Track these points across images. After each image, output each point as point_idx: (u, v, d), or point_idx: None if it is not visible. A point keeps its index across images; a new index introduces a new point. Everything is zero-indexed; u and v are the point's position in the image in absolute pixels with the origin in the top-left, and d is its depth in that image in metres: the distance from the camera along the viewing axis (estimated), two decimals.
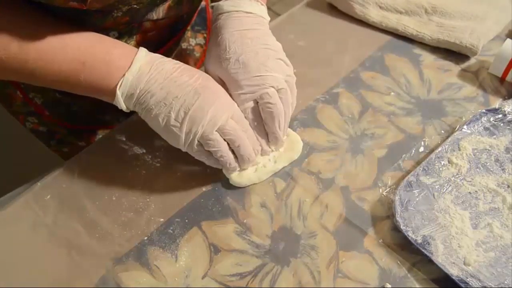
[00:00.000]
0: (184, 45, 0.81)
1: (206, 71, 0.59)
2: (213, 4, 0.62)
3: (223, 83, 0.57)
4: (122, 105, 0.53)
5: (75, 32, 0.53)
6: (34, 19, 0.52)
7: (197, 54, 0.83)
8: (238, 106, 0.56)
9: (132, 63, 0.52)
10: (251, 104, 0.56)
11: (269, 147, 0.59)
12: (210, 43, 0.60)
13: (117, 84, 0.52)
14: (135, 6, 0.60)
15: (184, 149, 0.54)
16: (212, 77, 0.57)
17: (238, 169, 0.57)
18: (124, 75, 0.52)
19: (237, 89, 0.55)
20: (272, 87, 0.55)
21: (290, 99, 0.57)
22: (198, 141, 0.53)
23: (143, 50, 0.54)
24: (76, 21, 0.60)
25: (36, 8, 0.53)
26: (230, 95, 0.56)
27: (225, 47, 0.56)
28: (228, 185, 0.58)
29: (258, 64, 0.55)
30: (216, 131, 0.52)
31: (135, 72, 0.52)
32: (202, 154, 0.55)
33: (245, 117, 0.56)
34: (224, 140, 0.53)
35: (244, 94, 0.55)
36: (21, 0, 0.53)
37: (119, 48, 0.53)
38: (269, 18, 0.61)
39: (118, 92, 0.52)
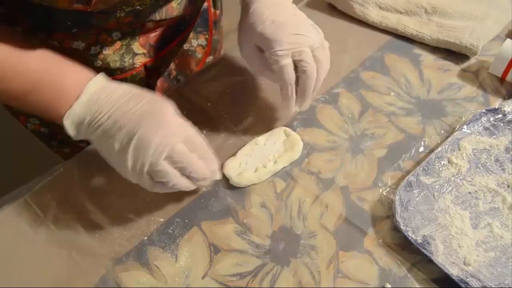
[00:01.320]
0: (186, 46, 0.81)
1: (240, 44, 0.62)
2: None
3: (259, 53, 0.58)
4: (70, 134, 0.52)
5: (37, 51, 0.52)
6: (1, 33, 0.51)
7: (199, 55, 0.83)
8: (277, 63, 0.56)
9: (82, 92, 0.50)
10: (290, 60, 0.56)
11: (293, 108, 0.59)
12: (241, 19, 0.62)
13: (64, 114, 0.51)
14: (138, 7, 0.60)
15: (134, 181, 0.52)
16: (246, 49, 0.60)
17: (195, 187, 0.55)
18: (71, 105, 0.50)
19: (275, 46, 0.56)
20: (308, 47, 0.56)
21: (325, 59, 0.58)
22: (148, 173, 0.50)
23: (97, 78, 0.52)
24: (79, 22, 0.60)
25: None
26: (266, 58, 0.57)
27: (259, 14, 0.58)
28: (228, 185, 0.58)
29: (293, 25, 0.57)
30: (164, 160, 0.49)
31: (83, 102, 0.50)
32: (155, 186, 0.52)
33: (284, 74, 0.56)
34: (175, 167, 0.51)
35: (281, 50, 0.56)
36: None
37: (74, 75, 0.52)
38: None
39: (65, 123, 0.51)
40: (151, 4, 0.62)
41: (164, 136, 0.49)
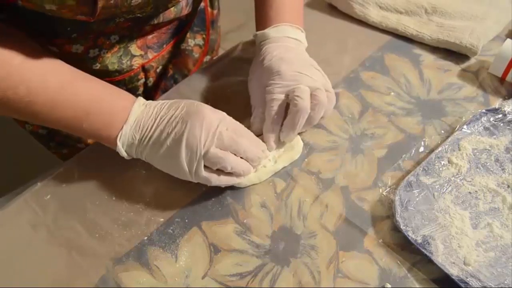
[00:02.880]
0: (182, 45, 0.81)
1: (249, 80, 0.64)
2: (257, 32, 0.65)
3: (262, 88, 0.60)
4: (123, 154, 0.55)
5: (82, 79, 0.56)
6: (42, 61, 0.53)
7: (196, 55, 0.83)
8: (270, 94, 0.58)
9: (129, 115, 0.54)
10: (282, 96, 0.58)
11: (273, 144, 0.59)
12: (253, 66, 0.65)
13: (117, 136, 0.54)
14: (138, 14, 0.61)
15: (195, 180, 0.55)
16: (252, 83, 0.62)
17: (254, 170, 0.58)
18: (122, 127, 0.54)
19: (275, 78, 0.58)
20: (307, 86, 0.57)
21: (324, 100, 0.58)
22: (205, 166, 0.53)
23: (139, 101, 0.56)
24: (79, 28, 0.61)
25: (48, 49, 0.55)
26: (265, 91, 0.59)
27: (270, 52, 0.61)
28: (228, 185, 0.58)
29: (299, 64, 0.60)
30: (216, 147, 0.52)
31: (131, 123, 0.54)
32: (212, 178, 0.54)
33: (270, 109, 0.58)
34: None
35: (278, 84, 0.58)
36: (35, 42, 0.55)
37: (121, 100, 0.56)
38: (306, 44, 0.66)
39: (119, 144, 0.54)
40: (151, 12, 0.62)
41: (209, 128, 0.52)
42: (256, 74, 0.63)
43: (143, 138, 0.54)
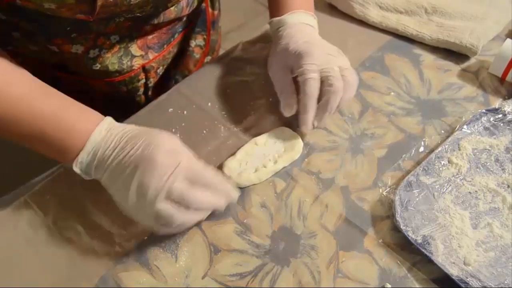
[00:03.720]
0: (183, 46, 0.81)
1: (269, 64, 0.64)
2: (273, 19, 0.66)
3: (286, 71, 0.60)
4: (84, 177, 0.53)
5: (45, 95, 0.52)
6: (8, 72, 0.51)
7: (197, 56, 0.83)
8: (304, 75, 0.57)
9: (87, 142, 0.51)
10: (317, 75, 0.57)
11: (311, 125, 0.59)
12: (273, 44, 0.65)
13: (73, 161, 0.51)
14: (138, 14, 0.60)
15: (143, 223, 0.51)
16: (275, 67, 0.62)
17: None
18: (78, 154, 0.51)
19: (306, 59, 0.58)
20: (337, 66, 0.58)
21: (353, 80, 0.59)
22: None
23: (101, 126, 0.52)
24: (79, 28, 0.60)
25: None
26: (291, 77, 0.59)
27: (292, 36, 0.61)
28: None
29: (325, 46, 0.61)
30: (165, 201, 0.48)
31: (89, 150, 0.51)
32: (161, 228, 0.51)
33: (308, 88, 0.57)
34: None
35: (311, 64, 0.57)
36: (2, 50, 0.52)
37: (81, 124, 0.52)
38: (318, 31, 0.67)
39: (75, 169, 0.52)
40: (151, 11, 0.62)
41: (160, 179, 0.47)
42: (278, 58, 0.63)
43: (100, 167, 0.51)
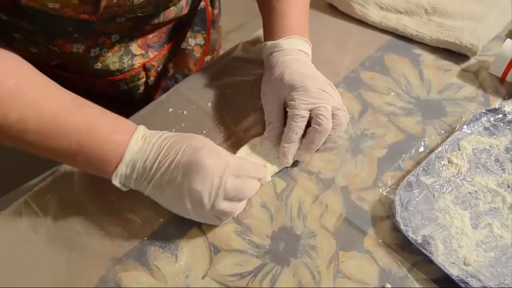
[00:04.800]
0: (183, 45, 0.81)
1: (263, 93, 0.63)
2: (267, 42, 0.64)
3: (279, 102, 0.59)
4: (122, 189, 0.53)
5: (78, 107, 0.52)
6: (37, 87, 0.50)
7: (197, 55, 0.83)
8: (294, 109, 0.56)
9: (124, 153, 0.51)
10: (306, 113, 0.56)
11: (291, 159, 0.58)
12: (266, 71, 0.63)
13: (112, 173, 0.51)
14: (139, 14, 0.61)
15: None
16: (268, 97, 0.61)
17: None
18: (117, 166, 0.51)
19: (301, 94, 0.56)
20: (330, 106, 0.56)
21: (344, 121, 0.58)
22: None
23: (136, 134, 0.52)
24: (81, 28, 0.61)
25: (40, 74, 0.51)
26: (282, 105, 0.58)
27: (287, 66, 0.59)
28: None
29: (320, 81, 0.59)
30: (222, 200, 0.50)
31: (128, 162, 0.51)
32: (223, 220, 0.54)
33: (294, 124, 0.56)
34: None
35: (305, 101, 0.56)
36: (27, 65, 0.51)
37: (118, 134, 0.51)
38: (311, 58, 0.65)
39: (115, 182, 0.52)
40: (152, 11, 0.62)
41: (211, 182, 0.49)
42: (272, 88, 0.61)
43: (143, 179, 0.51)
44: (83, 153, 0.50)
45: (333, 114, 0.57)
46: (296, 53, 0.62)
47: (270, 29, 0.64)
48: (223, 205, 0.51)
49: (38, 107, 0.49)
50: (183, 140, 0.51)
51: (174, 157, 0.50)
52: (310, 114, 0.56)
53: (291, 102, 0.57)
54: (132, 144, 0.51)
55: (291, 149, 0.57)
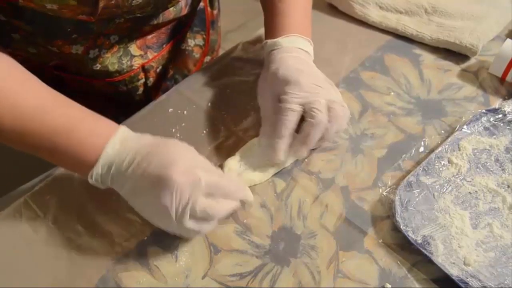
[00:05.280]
0: (182, 46, 0.81)
1: (258, 89, 0.62)
2: (267, 40, 0.63)
3: (274, 98, 0.58)
4: (100, 187, 0.52)
5: (57, 107, 0.51)
6: (17, 82, 0.50)
7: (197, 55, 0.83)
8: (286, 103, 0.55)
9: (99, 158, 0.50)
10: (298, 107, 0.56)
11: (282, 156, 0.57)
12: (264, 68, 0.62)
13: (87, 174, 0.51)
14: (138, 14, 0.61)
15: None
16: (263, 92, 0.60)
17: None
18: (92, 168, 0.50)
19: (293, 88, 0.56)
20: (325, 99, 0.56)
21: (341, 113, 0.56)
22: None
23: (114, 139, 0.50)
24: (79, 29, 0.61)
25: (22, 69, 0.51)
26: (277, 101, 0.57)
27: (284, 62, 0.59)
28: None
29: (316, 77, 0.58)
30: (189, 219, 0.49)
31: (103, 165, 0.50)
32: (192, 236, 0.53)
33: (284, 118, 0.55)
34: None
35: (296, 94, 0.55)
36: (7, 60, 0.51)
37: (94, 137, 0.50)
38: (313, 58, 0.64)
39: (92, 181, 0.51)
40: (150, 12, 0.62)
41: (180, 200, 0.47)
42: (268, 83, 0.61)
43: (117, 183, 0.50)
44: (59, 153, 0.50)
45: (329, 108, 0.56)
46: (295, 51, 0.61)
47: (271, 28, 0.64)
48: (189, 224, 0.49)
49: (14, 106, 0.49)
50: (160, 150, 0.49)
51: (147, 167, 0.48)
52: (304, 109, 0.56)
53: (283, 96, 0.57)
54: (109, 147, 0.50)
55: (282, 144, 0.56)
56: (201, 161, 0.51)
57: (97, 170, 0.50)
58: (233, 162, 0.59)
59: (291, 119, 0.56)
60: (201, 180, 0.48)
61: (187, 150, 0.51)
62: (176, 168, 0.47)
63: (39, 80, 0.52)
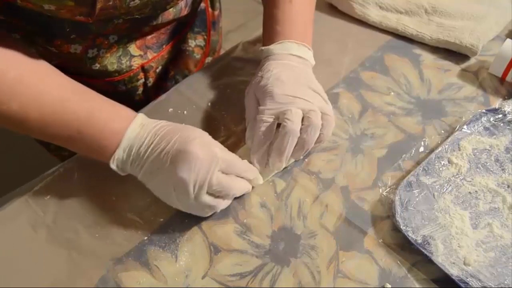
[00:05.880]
0: (183, 46, 0.81)
1: (246, 93, 0.62)
2: (262, 48, 0.63)
3: (256, 105, 0.59)
4: (120, 173, 0.54)
5: (78, 95, 0.54)
6: (39, 76, 0.52)
7: (197, 56, 0.83)
8: (260, 116, 0.56)
9: (121, 140, 0.52)
10: (270, 119, 0.56)
11: (258, 166, 0.57)
12: (251, 81, 0.62)
13: (110, 159, 0.53)
14: (137, 16, 0.61)
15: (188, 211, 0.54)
16: (248, 98, 0.61)
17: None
18: (114, 151, 0.52)
19: (267, 100, 0.56)
20: (299, 108, 0.55)
21: (316, 124, 0.55)
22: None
23: (135, 122, 0.53)
24: (78, 29, 0.61)
25: (42, 62, 0.53)
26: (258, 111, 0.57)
27: (269, 70, 0.59)
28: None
29: (296, 87, 0.57)
30: (206, 193, 0.51)
31: (125, 147, 0.52)
32: (206, 213, 0.54)
33: (258, 130, 0.56)
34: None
35: (269, 107, 0.56)
36: (29, 53, 0.53)
37: (115, 122, 0.53)
38: (314, 62, 0.63)
39: (113, 166, 0.53)
40: (149, 13, 0.62)
41: (197, 173, 0.50)
42: (252, 90, 0.61)
43: (136, 164, 0.53)
44: (82, 140, 0.52)
45: (305, 116, 0.55)
46: (287, 58, 0.61)
47: (265, 35, 0.65)
48: (206, 198, 0.51)
49: (38, 97, 0.51)
50: (178, 130, 0.53)
51: (166, 145, 0.51)
52: (278, 120, 0.56)
53: (259, 107, 0.57)
54: (129, 131, 0.52)
55: (258, 155, 0.57)
56: (215, 142, 0.54)
57: (119, 154, 0.52)
58: None
59: (263, 130, 0.56)
60: (218, 156, 0.51)
61: (203, 132, 0.54)
62: (195, 143, 0.50)
63: (58, 70, 0.54)
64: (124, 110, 0.55)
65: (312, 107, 0.56)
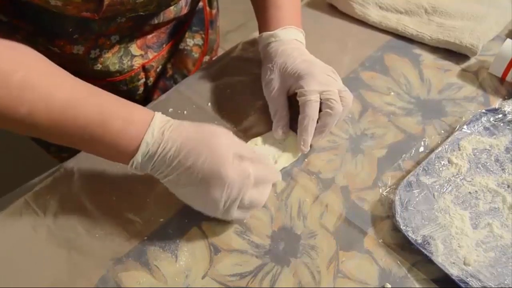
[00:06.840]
0: (181, 45, 0.81)
1: (264, 82, 0.63)
2: (264, 33, 0.64)
3: (283, 90, 0.60)
4: (139, 173, 0.52)
5: (89, 97, 0.50)
6: (48, 77, 0.50)
7: (196, 55, 0.83)
8: (305, 96, 0.57)
9: (140, 145, 0.49)
10: (317, 97, 0.57)
11: (308, 148, 0.59)
12: (266, 61, 0.63)
13: (129, 163, 0.51)
14: (141, 13, 0.61)
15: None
16: (271, 86, 0.61)
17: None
18: (133, 156, 0.50)
19: (308, 80, 0.58)
20: (336, 88, 0.58)
21: (350, 101, 0.59)
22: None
23: (152, 126, 0.50)
24: (81, 28, 0.61)
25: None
26: (288, 96, 0.60)
27: (289, 55, 0.61)
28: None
29: (323, 66, 0.61)
30: (236, 209, 0.51)
31: (144, 153, 0.50)
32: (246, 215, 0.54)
33: (308, 111, 0.57)
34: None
35: (314, 87, 0.57)
36: (34, 53, 0.51)
37: (130, 126, 0.50)
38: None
39: (131, 170, 0.51)
40: (154, 10, 0.62)
41: (230, 194, 0.49)
42: (275, 77, 0.61)
43: (159, 172, 0.50)
44: (96, 144, 0.50)
45: (340, 97, 0.58)
46: (294, 42, 0.63)
47: (266, 21, 0.66)
48: (236, 213, 0.51)
49: (47, 100, 0.48)
50: (207, 142, 0.50)
51: (195, 162, 0.49)
52: (320, 99, 0.58)
53: (300, 90, 0.58)
54: (147, 137, 0.49)
55: (310, 137, 0.58)
56: (244, 149, 0.52)
57: (137, 159, 0.50)
58: None
59: (315, 112, 0.57)
60: (251, 176, 0.50)
61: (229, 138, 0.52)
62: (228, 164, 0.49)
63: (67, 72, 0.52)
64: (139, 111, 0.52)
65: (342, 88, 0.59)
